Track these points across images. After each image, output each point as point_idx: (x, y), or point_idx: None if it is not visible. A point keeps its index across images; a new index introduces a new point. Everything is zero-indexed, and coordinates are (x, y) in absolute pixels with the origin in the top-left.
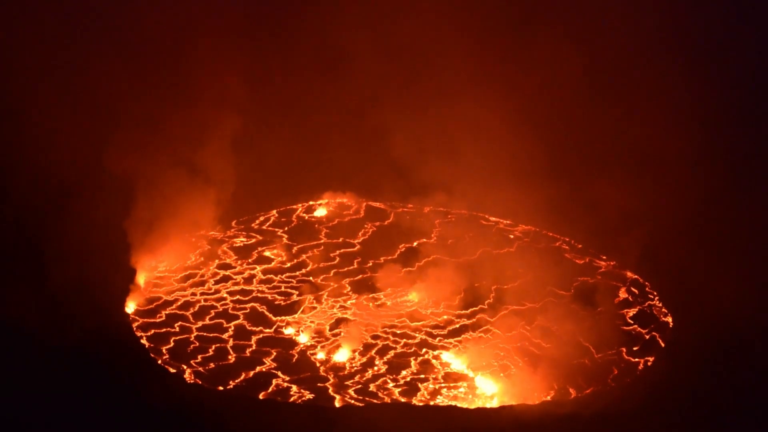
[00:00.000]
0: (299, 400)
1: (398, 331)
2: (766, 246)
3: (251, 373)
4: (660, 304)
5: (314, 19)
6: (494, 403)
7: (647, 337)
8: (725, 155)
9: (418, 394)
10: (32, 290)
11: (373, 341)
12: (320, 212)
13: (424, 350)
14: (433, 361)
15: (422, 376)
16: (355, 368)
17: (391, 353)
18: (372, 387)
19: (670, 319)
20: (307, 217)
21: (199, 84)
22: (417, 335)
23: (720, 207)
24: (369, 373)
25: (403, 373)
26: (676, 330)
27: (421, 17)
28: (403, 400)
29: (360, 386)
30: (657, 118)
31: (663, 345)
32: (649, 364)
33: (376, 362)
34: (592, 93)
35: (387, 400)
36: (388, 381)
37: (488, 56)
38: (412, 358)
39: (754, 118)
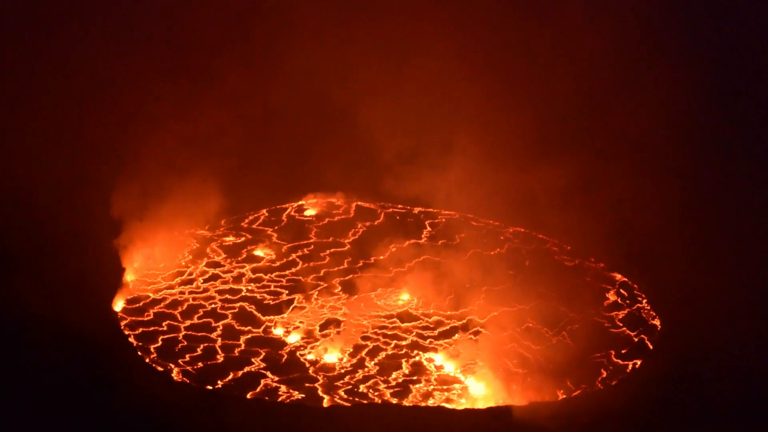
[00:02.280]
0: (287, 400)
1: (389, 332)
2: (755, 248)
3: (240, 373)
4: (648, 307)
5: (305, 18)
6: (482, 405)
7: (636, 339)
8: (716, 158)
9: (410, 396)
10: (19, 288)
11: (364, 342)
12: (310, 212)
13: (415, 352)
14: (424, 362)
15: (415, 377)
16: (345, 369)
17: (382, 355)
18: (362, 388)
19: (658, 322)
20: (296, 217)
21: (193, 82)
22: (408, 336)
23: (709, 209)
24: (359, 374)
25: (394, 374)
26: (664, 333)
27: (409, 16)
28: (394, 401)
29: (350, 387)
30: (650, 120)
31: (651, 347)
32: (637, 366)
33: (367, 363)
34: (584, 95)
35: (377, 401)
36: (379, 382)
37: (480, 53)
38: (403, 360)
39: (746, 121)
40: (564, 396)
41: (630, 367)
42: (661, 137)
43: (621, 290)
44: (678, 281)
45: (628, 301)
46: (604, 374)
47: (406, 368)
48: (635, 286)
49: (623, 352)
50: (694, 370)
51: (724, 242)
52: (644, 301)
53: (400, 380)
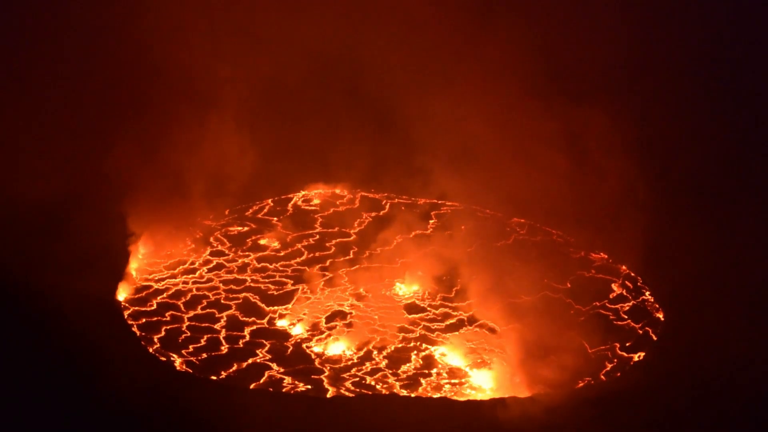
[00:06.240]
0: (292, 392)
1: (396, 324)
2: (759, 240)
3: (244, 364)
4: (652, 299)
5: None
6: (486, 396)
7: (640, 332)
8: (723, 150)
9: (420, 389)
10: (21, 280)
11: (371, 334)
12: (315, 202)
13: (423, 345)
14: (435, 355)
15: (425, 371)
16: (353, 361)
17: (390, 347)
18: (370, 380)
19: (662, 315)
20: (302, 206)
21: (194, 75)
22: (415, 329)
23: (713, 201)
24: (367, 367)
25: (404, 367)
26: (668, 325)
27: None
28: (404, 393)
29: (357, 379)
30: (653, 114)
31: (655, 340)
32: (641, 359)
33: (374, 356)
34: (587, 85)
35: (385, 393)
36: (388, 375)
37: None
38: (412, 353)
39: (752, 119)
40: (568, 388)
41: (634, 359)
42: (667, 133)
43: (626, 282)
44: (683, 274)
45: (633, 293)
46: (609, 367)
47: (415, 361)
48: (639, 278)
49: (627, 344)
50: (697, 363)
51: (729, 236)
52: (648, 293)
53: (410, 373)
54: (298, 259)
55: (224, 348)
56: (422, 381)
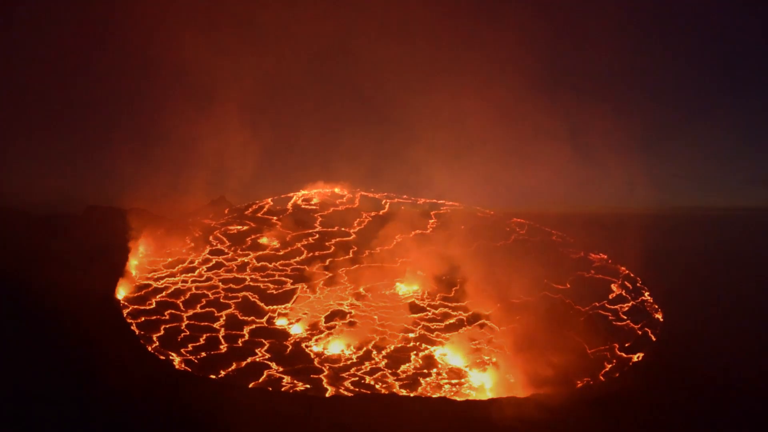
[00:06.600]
0: (291, 391)
1: (395, 324)
2: (758, 242)
3: (243, 364)
4: (651, 299)
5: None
6: (486, 396)
7: (639, 332)
8: (725, 154)
9: (420, 388)
10: (23, 273)
11: (370, 334)
12: (315, 201)
13: (423, 345)
14: (435, 355)
15: (425, 370)
16: (351, 361)
17: (390, 347)
18: (369, 380)
19: (660, 315)
20: (302, 206)
21: (194, 76)
22: (415, 329)
23: (714, 204)
24: (367, 366)
25: (404, 367)
26: (666, 325)
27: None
28: (403, 393)
29: (356, 379)
30: (653, 114)
31: (654, 340)
32: (640, 359)
33: (374, 356)
34: (588, 84)
35: (385, 392)
36: (388, 375)
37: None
38: (412, 353)
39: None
40: (568, 388)
41: (633, 359)
42: (668, 132)
43: (626, 283)
44: (681, 275)
45: (632, 294)
46: (608, 367)
47: (415, 361)
48: (639, 278)
49: (627, 345)
50: (696, 363)
51: (728, 237)
52: (647, 293)
53: (410, 373)
54: (297, 258)
55: (223, 347)
56: (422, 381)
